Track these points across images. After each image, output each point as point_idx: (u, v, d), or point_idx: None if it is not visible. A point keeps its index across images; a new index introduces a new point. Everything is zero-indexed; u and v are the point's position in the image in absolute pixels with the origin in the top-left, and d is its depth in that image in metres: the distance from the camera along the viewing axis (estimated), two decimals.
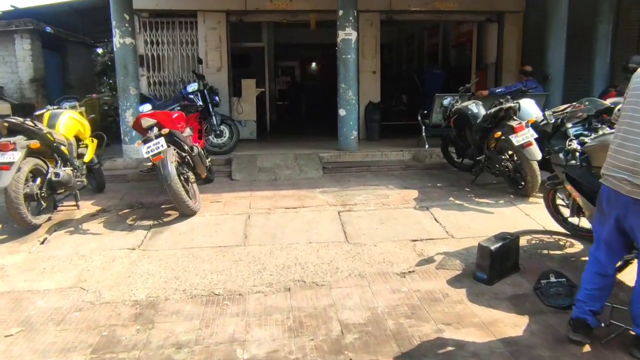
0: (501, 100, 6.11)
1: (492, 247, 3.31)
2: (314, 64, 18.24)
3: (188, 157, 4.86)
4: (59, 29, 10.13)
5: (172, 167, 4.42)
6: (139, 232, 4.48)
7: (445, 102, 6.24)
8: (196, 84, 7.23)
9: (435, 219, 4.66)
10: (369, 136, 8.90)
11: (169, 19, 8.87)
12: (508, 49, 9.57)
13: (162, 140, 4.46)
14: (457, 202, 5.13)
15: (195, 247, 4.12)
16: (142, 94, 8.15)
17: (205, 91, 7.43)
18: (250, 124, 9.67)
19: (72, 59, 10.87)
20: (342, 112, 7.32)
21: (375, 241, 4.18)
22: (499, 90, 7.18)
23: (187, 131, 5.37)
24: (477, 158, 5.49)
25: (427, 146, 7.42)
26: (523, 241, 3.97)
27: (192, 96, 7.31)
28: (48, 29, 9.29)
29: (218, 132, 7.42)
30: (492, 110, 5.12)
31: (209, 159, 5.89)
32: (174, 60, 9.05)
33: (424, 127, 7.57)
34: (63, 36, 10.46)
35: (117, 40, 6.94)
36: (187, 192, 4.72)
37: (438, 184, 6.02)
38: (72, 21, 10.83)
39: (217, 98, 7.53)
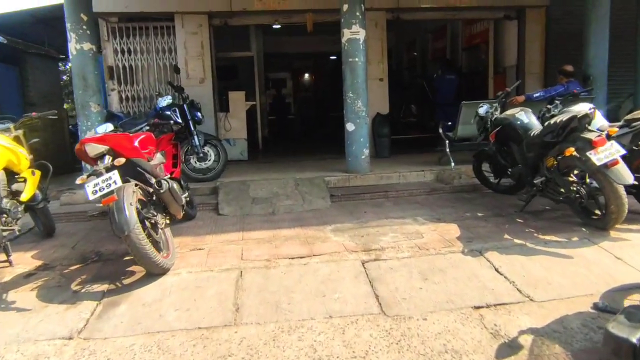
0: (548, 106, 4.95)
1: (635, 340, 2.05)
2: (307, 75, 17.09)
3: (156, 194, 3.58)
4: (16, 40, 8.85)
5: (131, 212, 3.13)
6: (85, 304, 3.16)
7: (482, 111, 5.03)
8: (170, 97, 5.97)
9: (497, 270, 3.40)
10: (378, 153, 7.68)
11: (142, 24, 7.64)
12: (531, 49, 8.45)
13: (115, 174, 3.18)
14: (516, 241, 3.88)
15: (163, 330, 2.82)
16: (110, 111, 6.89)
17: (185, 106, 6.18)
18: (240, 142, 8.42)
19: (34, 74, 9.57)
20: (350, 126, 6.10)
21: (424, 311, 2.90)
22: (538, 95, 6.02)
23: (157, 158, 4.09)
24: (534, 181, 4.26)
25: (452, 164, 6.20)
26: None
27: (168, 112, 6.07)
28: (0, 39, 8.02)
29: (201, 154, 6.15)
30: (559, 119, 3.90)
31: (187, 193, 4.62)
32: (150, 71, 7.80)
33: (447, 142, 6.36)
34: (21, 47, 9.17)
35: (72, 46, 5.69)
36: (155, 243, 3.43)
37: (478, 213, 4.79)
38: (36, 32, 9.55)
39: (199, 114, 6.28)
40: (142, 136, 4.07)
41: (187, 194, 4.45)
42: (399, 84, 11.89)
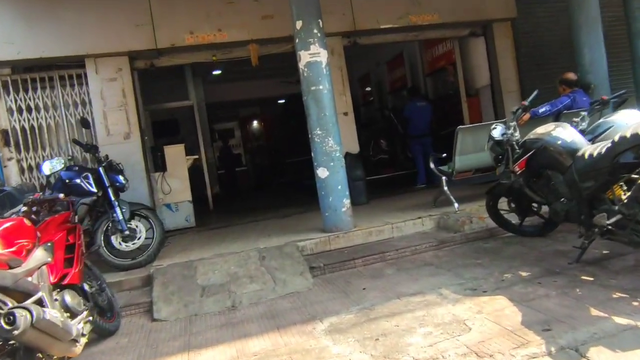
0: (574, 120, 3.81)
1: None
2: (255, 123, 15.82)
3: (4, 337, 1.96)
4: None
5: None
6: None
7: (497, 133, 3.79)
8: (59, 159, 4.33)
9: None
10: (354, 199, 6.24)
11: (44, 74, 6.07)
12: (503, 65, 7.58)
13: None
14: (617, 320, 2.52)
15: None
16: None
17: (101, 170, 4.61)
18: (184, 206, 6.85)
19: None
20: (322, 172, 4.71)
21: None
22: (544, 110, 4.94)
23: (36, 258, 2.50)
24: (603, 220, 2.99)
25: (456, 205, 4.92)
26: None
27: (77, 180, 4.46)
28: None
29: (127, 232, 4.51)
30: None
31: (104, 295, 3.00)
32: (59, 131, 6.17)
33: (444, 179, 5.10)
34: None
35: None
36: None
37: (522, 272, 3.45)
38: None
39: (120, 178, 4.71)
40: (6, 224, 2.50)
41: (104, 294, 2.83)
42: (358, 120, 10.86)
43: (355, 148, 6.77)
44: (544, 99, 5.15)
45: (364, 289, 3.59)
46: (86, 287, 2.96)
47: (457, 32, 7.72)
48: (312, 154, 4.80)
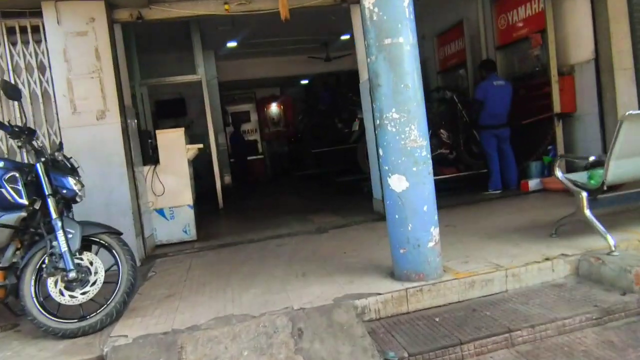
0: None
1: None
2: (274, 106, 13.96)
3: None
4: None
5: None
6: None
7: None
8: None
9: None
10: None
11: None
12: (617, 32, 5.58)
13: None
14: None
15: None
16: None
17: (39, 169, 2.81)
18: (183, 212, 5.08)
19: None
20: (397, 181, 2.82)
21: None
22: None
23: None
24: None
25: (612, 241, 2.99)
26: None
27: None
28: None
29: (72, 274, 2.72)
30: None
31: None
32: (8, 105, 4.40)
33: (584, 195, 3.17)
34: None
35: None
36: None
37: None
38: None
39: (69, 183, 2.89)
40: None
41: None
42: None
43: None
44: None
45: None
46: None
47: None
48: (378, 152, 2.93)
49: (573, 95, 6.06)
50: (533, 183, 5.77)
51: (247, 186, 11.03)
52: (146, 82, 8.04)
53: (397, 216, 2.86)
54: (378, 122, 2.88)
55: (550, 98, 6.03)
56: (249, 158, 12.35)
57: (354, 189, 7.43)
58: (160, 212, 5.07)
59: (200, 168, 8.14)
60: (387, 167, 2.86)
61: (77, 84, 4.27)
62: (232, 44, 9.77)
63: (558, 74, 6.08)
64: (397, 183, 2.82)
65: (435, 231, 2.88)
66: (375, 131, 2.93)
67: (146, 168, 5.01)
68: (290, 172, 13.34)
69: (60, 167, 2.97)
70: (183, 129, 5.15)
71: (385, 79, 2.81)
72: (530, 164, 6.19)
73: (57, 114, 4.30)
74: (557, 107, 6.02)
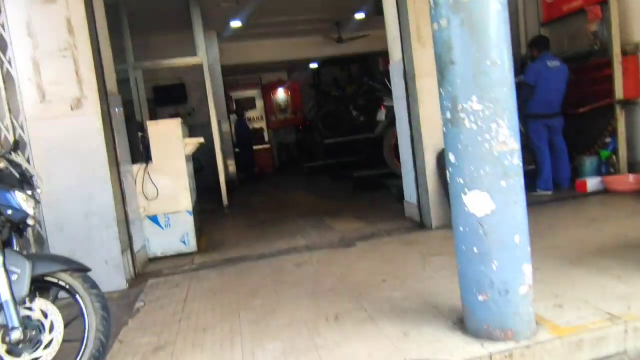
0: None
1: None
2: (281, 91, 13.05)
3: None
4: None
5: None
6: None
7: None
8: None
9: None
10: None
11: None
12: None
13: None
14: None
15: None
16: None
17: None
18: (181, 219, 4.29)
19: None
20: (478, 200, 1.97)
21: None
22: None
23: None
24: None
25: None
26: None
27: None
28: None
29: (16, 333, 1.90)
30: None
31: None
32: None
33: None
34: None
35: None
36: None
37: None
38: None
39: (14, 199, 2.06)
40: None
41: None
42: None
43: None
44: None
45: None
46: None
47: None
48: (449, 157, 2.07)
49: (637, 78, 5.16)
50: (592, 183, 4.91)
51: (252, 178, 10.22)
52: (140, 64, 7.17)
53: (475, 250, 2.01)
54: (449, 115, 2.02)
55: (611, 82, 5.13)
56: (254, 147, 11.49)
57: (374, 186, 6.60)
58: (154, 219, 4.26)
59: (202, 158, 7.33)
60: (461, 180, 2.01)
61: (45, 65, 3.42)
62: (236, 24, 8.87)
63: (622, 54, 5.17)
64: (477, 203, 1.97)
65: (528, 270, 2.04)
66: (443, 128, 2.07)
67: (136, 167, 4.19)
68: (298, 163, 12.51)
69: (4, 176, 2.14)
70: (180, 119, 4.30)
71: (462, 53, 1.94)
72: (584, 160, 5.33)
73: (22, 102, 3.46)
74: (619, 93, 5.13)
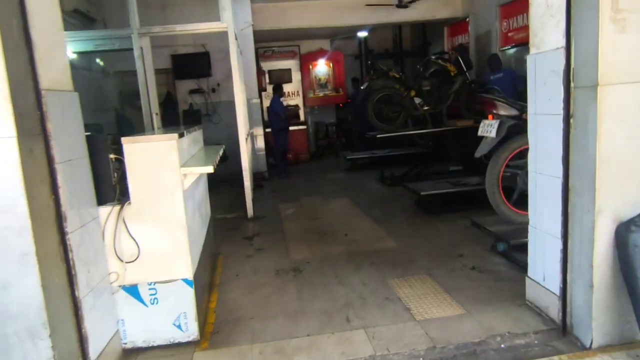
0: None
1: None
2: (322, 64, 11.13)
3: None
4: None
5: None
6: None
7: None
8: None
9: None
10: None
11: None
12: None
13: None
14: None
15: None
16: None
17: None
18: (173, 292, 2.64)
19: None
20: None
21: None
22: None
23: None
24: None
25: None
26: None
27: None
28: None
29: None
30: None
31: None
32: None
33: None
34: None
35: None
36: None
37: None
38: None
39: None
40: None
41: None
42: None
43: None
44: None
45: None
46: None
47: None
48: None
49: None
50: None
51: (284, 168, 8.55)
52: (148, 30, 5.47)
53: None
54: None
55: None
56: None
57: (450, 217, 4.90)
58: (132, 291, 2.66)
59: (226, 144, 5.68)
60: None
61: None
62: None
63: None
64: None
65: None
66: None
67: (104, 211, 2.56)
68: (337, 151, 10.74)
69: None
70: (176, 135, 2.61)
71: None
72: None
73: None
74: None
